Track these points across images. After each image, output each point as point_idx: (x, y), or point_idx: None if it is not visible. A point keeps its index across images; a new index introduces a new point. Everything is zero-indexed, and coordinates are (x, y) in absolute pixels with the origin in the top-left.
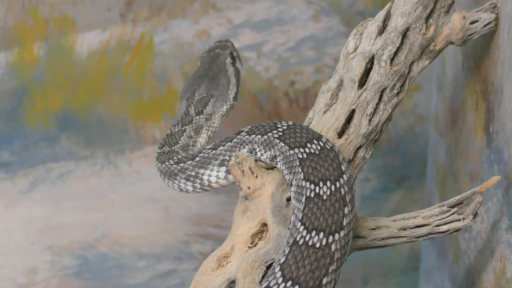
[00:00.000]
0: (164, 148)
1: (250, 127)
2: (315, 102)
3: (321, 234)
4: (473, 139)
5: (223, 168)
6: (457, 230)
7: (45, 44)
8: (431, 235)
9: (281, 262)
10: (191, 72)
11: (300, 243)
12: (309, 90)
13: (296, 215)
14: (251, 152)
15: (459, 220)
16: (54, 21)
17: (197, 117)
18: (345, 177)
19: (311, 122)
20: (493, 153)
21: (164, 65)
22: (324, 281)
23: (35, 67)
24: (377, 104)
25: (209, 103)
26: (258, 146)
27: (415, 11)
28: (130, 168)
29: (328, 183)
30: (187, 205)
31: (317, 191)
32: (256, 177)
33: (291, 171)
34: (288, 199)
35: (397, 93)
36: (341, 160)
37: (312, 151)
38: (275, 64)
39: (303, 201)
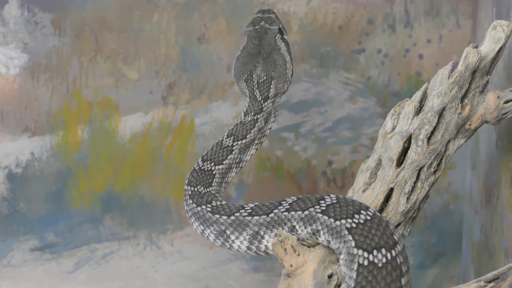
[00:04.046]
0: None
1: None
2: (354, 181)
3: None
4: (508, 215)
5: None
6: None
7: (88, 127)
8: None
9: (352, 286)
10: None
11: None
12: (346, 169)
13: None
14: (291, 231)
15: None
16: (97, 104)
17: (265, 104)
18: (399, 247)
19: None
20: None
21: (205, 146)
22: None
23: (79, 149)
24: (415, 182)
25: (271, 86)
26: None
27: (450, 91)
28: (172, 247)
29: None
30: (228, 284)
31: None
32: (298, 255)
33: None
34: (330, 276)
35: (434, 172)
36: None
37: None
38: (313, 145)
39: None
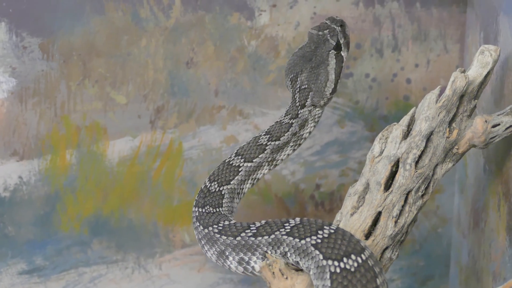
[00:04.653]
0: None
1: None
2: (343, 205)
3: None
4: (495, 239)
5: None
6: None
7: (77, 151)
8: None
9: None
10: None
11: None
12: (334, 193)
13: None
14: (283, 256)
15: None
16: (85, 128)
17: (301, 111)
18: (367, 252)
19: (338, 225)
20: None
21: (193, 170)
22: None
23: (68, 173)
24: (403, 206)
25: (309, 96)
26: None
27: (438, 115)
28: (161, 271)
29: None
30: None
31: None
32: (286, 278)
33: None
34: None
35: (422, 195)
36: (358, 239)
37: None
38: (301, 169)
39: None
